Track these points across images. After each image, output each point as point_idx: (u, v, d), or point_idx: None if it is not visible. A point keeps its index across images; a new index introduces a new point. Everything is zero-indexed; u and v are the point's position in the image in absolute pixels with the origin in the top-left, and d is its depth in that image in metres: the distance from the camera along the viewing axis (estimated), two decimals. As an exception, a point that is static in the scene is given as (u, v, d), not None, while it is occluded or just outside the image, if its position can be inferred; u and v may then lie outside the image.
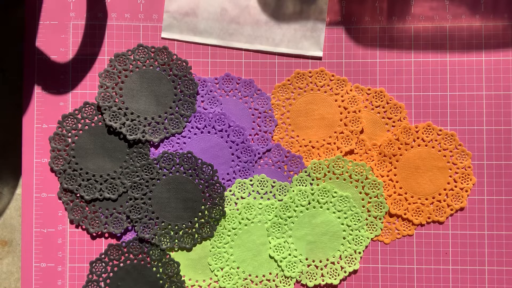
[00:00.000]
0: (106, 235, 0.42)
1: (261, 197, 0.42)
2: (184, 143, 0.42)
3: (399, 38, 0.43)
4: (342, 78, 0.43)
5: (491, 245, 0.42)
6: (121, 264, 0.42)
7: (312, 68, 0.43)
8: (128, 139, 0.42)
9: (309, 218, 0.42)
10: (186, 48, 0.43)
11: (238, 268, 0.42)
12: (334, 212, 0.42)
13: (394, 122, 0.43)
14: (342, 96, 0.42)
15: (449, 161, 0.42)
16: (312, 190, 0.42)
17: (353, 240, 0.42)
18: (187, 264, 0.42)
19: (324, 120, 0.42)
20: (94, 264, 0.42)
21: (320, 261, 0.42)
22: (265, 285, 0.42)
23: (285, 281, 0.42)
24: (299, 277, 0.42)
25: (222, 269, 0.42)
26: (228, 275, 0.42)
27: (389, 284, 0.42)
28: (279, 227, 0.42)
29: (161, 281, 0.41)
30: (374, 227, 0.42)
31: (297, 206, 0.42)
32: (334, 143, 0.42)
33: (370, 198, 0.42)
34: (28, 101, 0.43)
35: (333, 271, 0.42)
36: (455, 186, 0.42)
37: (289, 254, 0.42)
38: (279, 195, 0.42)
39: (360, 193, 0.42)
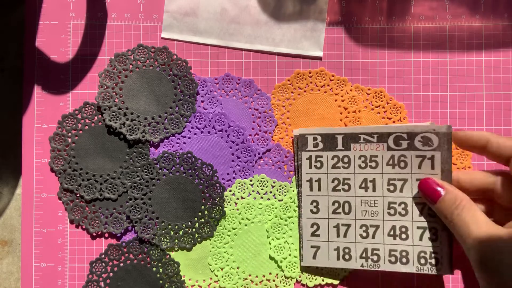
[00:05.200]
0: (106, 235, 0.42)
1: (261, 197, 0.42)
2: (184, 143, 0.42)
3: (399, 38, 0.43)
4: (342, 78, 0.43)
5: (491, 245, 0.42)
6: (121, 264, 0.42)
7: (312, 68, 0.43)
8: (128, 139, 0.42)
9: (309, 218, 0.42)
10: (186, 48, 0.43)
11: (238, 268, 0.42)
12: (334, 212, 0.42)
13: (394, 122, 0.43)
14: (342, 96, 0.42)
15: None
16: (312, 190, 0.42)
17: (353, 240, 0.42)
18: (187, 264, 0.42)
19: (324, 120, 0.42)
20: (94, 264, 0.42)
21: (320, 261, 0.42)
22: (265, 285, 0.42)
23: (285, 281, 0.42)
24: (299, 277, 0.42)
25: (222, 269, 0.42)
26: (228, 275, 0.42)
27: (389, 284, 0.42)
28: (279, 227, 0.42)
29: (161, 281, 0.41)
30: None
31: (297, 206, 0.42)
32: (334, 143, 0.42)
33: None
34: (28, 101, 0.43)
35: (333, 271, 0.42)
36: (455, 186, 0.42)
37: (289, 255, 0.42)
38: (279, 195, 0.42)
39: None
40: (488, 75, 0.42)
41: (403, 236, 0.39)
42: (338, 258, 0.40)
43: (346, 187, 0.40)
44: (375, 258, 0.39)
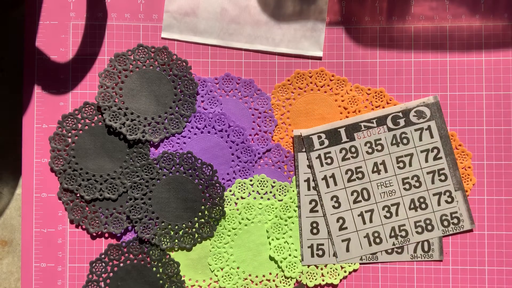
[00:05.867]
0: (106, 235, 0.42)
1: (261, 197, 0.42)
2: (184, 143, 0.42)
3: (399, 38, 0.43)
4: (342, 78, 0.43)
5: (491, 245, 0.42)
6: (121, 264, 0.42)
7: (312, 68, 0.43)
8: (128, 139, 0.42)
9: (309, 218, 0.42)
10: (186, 48, 0.43)
11: (238, 268, 0.42)
12: (334, 212, 0.42)
13: (394, 122, 0.43)
14: (342, 96, 0.42)
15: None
16: (312, 190, 0.42)
17: (353, 240, 0.42)
18: (187, 264, 0.42)
19: (324, 120, 0.42)
20: (94, 264, 0.42)
21: (320, 261, 0.42)
22: (265, 285, 0.42)
23: (285, 281, 0.42)
24: (299, 277, 0.42)
25: (222, 269, 0.42)
26: (228, 275, 0.42)
27: (389, 284, 0.42)
28: (279, 227, 0.42)
29: (161, 281, 0.41)
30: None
31: (297, 206, 0.42)
32: (334, 143, 0.42)
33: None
34: (28, 101, 0.43)
35: (333, 271, 0.42)
36: (455, 186, 0.42)
37: (289, 255, 0.42)
38: (279, 195, 0.42)
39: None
40: (488, 75, 0.42)
41: (423, 206, 0.41)
42: (370, 244, 0.41)
43: (360, 175, 0.41)
44: (403, 233, 0.41)
